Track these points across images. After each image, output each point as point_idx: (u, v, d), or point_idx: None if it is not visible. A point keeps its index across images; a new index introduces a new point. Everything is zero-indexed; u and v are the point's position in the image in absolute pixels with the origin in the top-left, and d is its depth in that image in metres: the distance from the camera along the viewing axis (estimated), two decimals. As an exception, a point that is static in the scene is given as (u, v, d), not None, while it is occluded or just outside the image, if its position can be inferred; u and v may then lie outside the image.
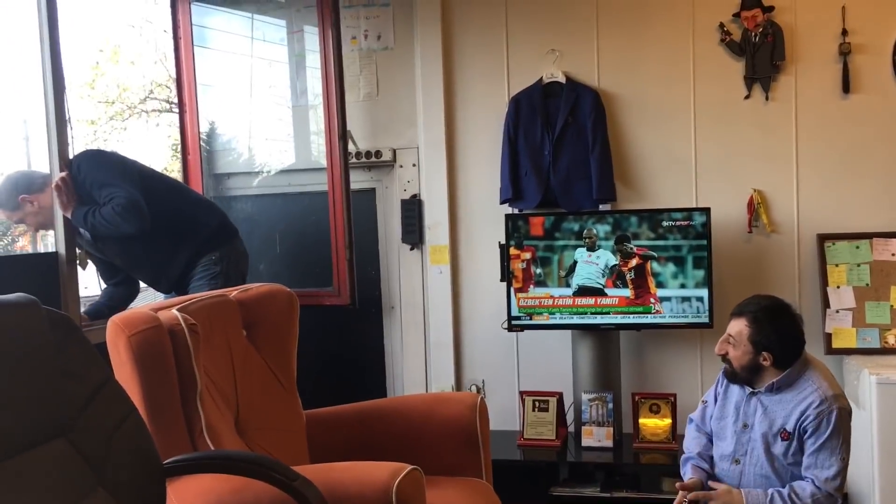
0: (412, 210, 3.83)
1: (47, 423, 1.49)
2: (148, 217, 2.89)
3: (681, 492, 2.40)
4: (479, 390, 3.80)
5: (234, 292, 2.48)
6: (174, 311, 2.08)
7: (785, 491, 2.31)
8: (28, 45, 2.78)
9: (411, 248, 3.86)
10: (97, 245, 3.05)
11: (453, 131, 3.79)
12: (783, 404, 2.34)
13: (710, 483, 2.43)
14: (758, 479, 2.37)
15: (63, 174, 2.79)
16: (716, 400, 2.53)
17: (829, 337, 3.33)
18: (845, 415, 2.31)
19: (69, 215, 2.82)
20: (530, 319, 3.47)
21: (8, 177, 2.95)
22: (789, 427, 2.32)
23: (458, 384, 3.83)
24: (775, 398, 2.36)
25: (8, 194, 2.91)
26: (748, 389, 2.42)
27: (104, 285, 3.27)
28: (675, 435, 3.29)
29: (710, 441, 2.54)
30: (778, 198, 3.49)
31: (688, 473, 2.49)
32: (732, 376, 2.43)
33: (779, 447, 2.33)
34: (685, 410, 2.92)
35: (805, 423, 2.29)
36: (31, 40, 2.77)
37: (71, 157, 2.85)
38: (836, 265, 3.38)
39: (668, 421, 3.36)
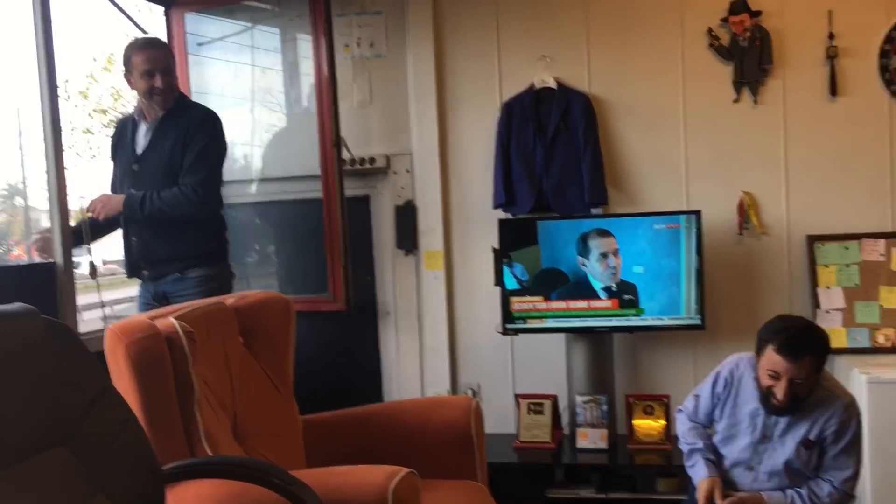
0: (406, 216, 3.86)
1: (48, 432, 1.52)
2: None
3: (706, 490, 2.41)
4: (474, 394, 3.82)
5: (230, 300, 2.51)
6: (171, 318, 2.10)
7: (804, 492, 2.37)
8: (24, 52, 2.81)
9: (406, 254, 3.89)
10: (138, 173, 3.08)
11: (446, 137, 3.82)
12: (805, 414, 2.34)
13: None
14: (772, 481, 2.40)
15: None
16: (715, 399, 2.51)
17: (819, 337, 3.37)
18: (860, 419, 2.38)
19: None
20: (525, 323, 3.50)
21: None
22: (812, 436, 2.34)
23: (454, 388, 3.86)
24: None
25: None
26: None
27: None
28: (669, 436, 3.32)
29: (704, 427, 2.56)
30: (767, 200, 3.52)
31: (700, 465, 2.46)
32: (793, 408, 2.33)
33: (801, 456, 2.35)
34: (686, 399, 2.92)
35: (827, 431, 2.33)
36: (27, 48, 2.80)
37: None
38: (826, 266, 3.42)
39: (662, 422, 3.39)
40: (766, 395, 2.32)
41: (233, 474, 1.84)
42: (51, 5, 2.75)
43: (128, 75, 3.07)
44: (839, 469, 2.35)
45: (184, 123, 3.06)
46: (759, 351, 2.33)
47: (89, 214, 2.98)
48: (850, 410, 2.35)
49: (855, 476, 2.36)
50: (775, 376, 2.27)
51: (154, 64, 3.01)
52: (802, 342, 2.24)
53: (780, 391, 2.26)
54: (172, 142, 3.04)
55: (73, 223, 3.09)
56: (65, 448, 1.54)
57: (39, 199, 2.84)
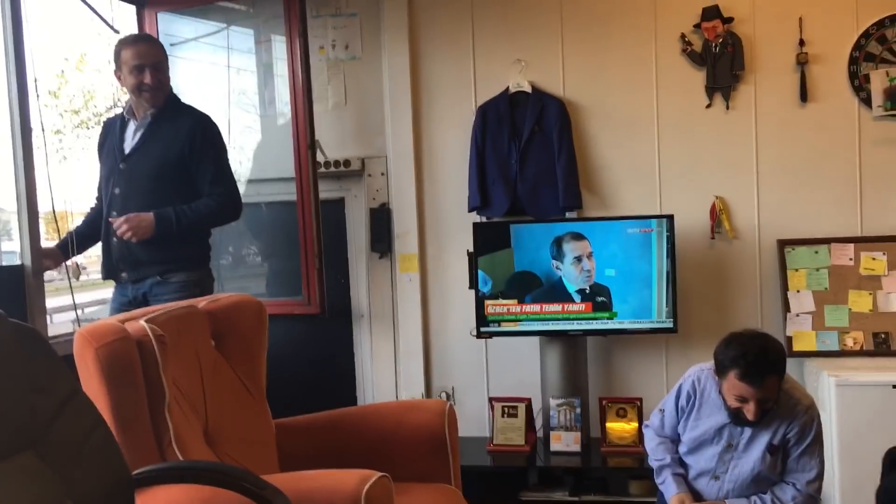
0: (381, 219, 3.85)
1: (15, 436, 1.49)
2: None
3: None
4: (448, 397, 3.82)
5: (202, 303, 2.48)
6: (142, 322, 2.08)
7: (767, 497, 2.37)
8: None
9: (380, 257, 3.88)
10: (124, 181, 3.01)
11: (421, 140, 3.82)
12: (767, 419, 2.35)
13: None
14: (737, 489, 2.41)
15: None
16: (679, 411, 2.51)
17: (789, 340, 3.41)
18: (820, 420, 2.39)
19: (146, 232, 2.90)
20: (499, 326, 3.50)
21: None
22: (776, 441, 2.36)
23: (428, 391, 3.85)
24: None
25: None
26: None
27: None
28: (642, 438, 3.33)
29: (672, 442, 2.57)
30: (739, 204, 3.56)
31: (670, 482, 2.48)
32: (759, 421, 2.33)
33: (766, 462, 2.37)
34: (651, 414, 2.96)
35: (790, 434, 2.35)
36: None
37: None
38: (796, 270, 3.46)
39: (635, 425, 3.41)
40: (735, 415, 2.33)
41: (203, 479, 1.82)
42: (21, 4, 2.72)
43: (117, 71, 3.03)
44: (802, 471, 2.36)
45: (182, 128, 3.00)
46: (720, 374, 2.33)
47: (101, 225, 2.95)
48: (811, 412, 2.36)
49: (818, 478, 2.37)
50: (743, 400, 2.27)
51: (144, 59, 2.96)
52: (763, 365, 2.23)
53: (750, 413, 2.27)
54: (167, 143, 2.98)
55: (57, 241, 3.08)
56: (32, 453, 1.51)
57: (8, 200, 2.78)
